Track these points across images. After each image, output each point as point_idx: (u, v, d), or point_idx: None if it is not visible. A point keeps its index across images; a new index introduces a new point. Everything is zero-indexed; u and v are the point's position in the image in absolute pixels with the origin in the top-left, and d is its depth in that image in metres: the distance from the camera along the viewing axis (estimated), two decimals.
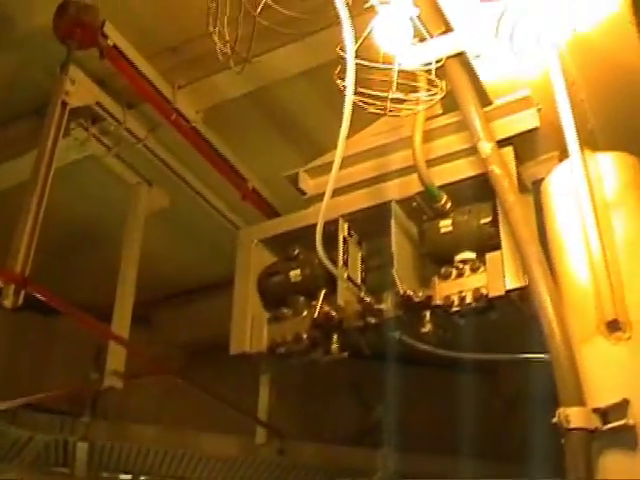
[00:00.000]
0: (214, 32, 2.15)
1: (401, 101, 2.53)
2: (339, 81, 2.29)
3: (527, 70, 2.76)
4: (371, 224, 3.11)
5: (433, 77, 2.62)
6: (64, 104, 3.67)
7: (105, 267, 4.87)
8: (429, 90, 2.62)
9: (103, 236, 5.33)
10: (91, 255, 5.58)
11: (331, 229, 3.06)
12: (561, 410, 2.28)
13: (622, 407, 2.24)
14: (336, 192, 3.09)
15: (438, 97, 2.64)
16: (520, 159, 2.99)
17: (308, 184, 3.26)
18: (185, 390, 5.32)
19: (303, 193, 3.26)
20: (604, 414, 2.28)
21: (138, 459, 5.92)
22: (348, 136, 3.18)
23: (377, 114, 2.54)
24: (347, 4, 2.15)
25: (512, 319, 2.83)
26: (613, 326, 2.37)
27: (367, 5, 2.38)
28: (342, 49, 2.23)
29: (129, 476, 6.07)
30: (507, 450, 6.05)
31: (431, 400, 6.57)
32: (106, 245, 5.18)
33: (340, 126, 2.40)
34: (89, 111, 4.09)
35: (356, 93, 2.40)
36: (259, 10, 2.13)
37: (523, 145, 2.96)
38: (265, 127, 4.51)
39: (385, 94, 2.44)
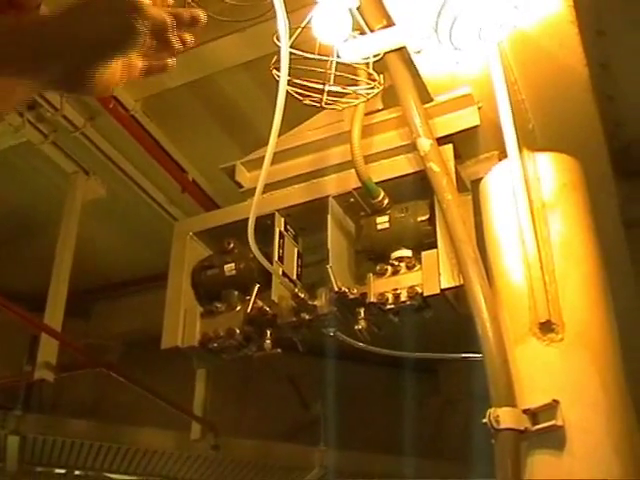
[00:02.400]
0: None
1: (338, 94, 2.49)
2: (275, 71, 2.24)
3: (468, 67, 2.74)
4: (308, 219, 3.07)
5: (371, 71, 2.59)
6: None
7: (41, 256, 4.79)
8: (367, 84, 2.59)
9: (39, 225, 5.24)
10: (27, 244, 5.48)
11: (267, 223, 3.03)
12: (491, 411, 2.28)
13: (552, 408, 2.25)
14: (273, 186, 3.07)
15: (375, 91, 2.61)
16: (460, 157, 2.97)
17: (245, 177, 3.20)
18: (122, 383, 5.26)
19: (240, 186, 3.21)
20: (534, 415, 2.28)
21: (72, 453, 5.82)
22: (289, 129, 3.17)
23: (313, 106, 2.50)
24: None
25: (454, 316, 2.82)
26: (546, 327, 2.37)
27: None
28: (278, 39, 2.19)
29: (63, 470, 5.98)
30: (447, 449, 6.09)
31: (370, 397, 6.57)
32: (42, 234, 5.10)
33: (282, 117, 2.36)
34: None
35: (292, 84, 2.37)
36: None
37: (463, 143, 2.94)
38: (206, 118, 4.45)
39: (321, 86, 2.40)
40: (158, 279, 3.74)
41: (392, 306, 2.74)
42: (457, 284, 2.62)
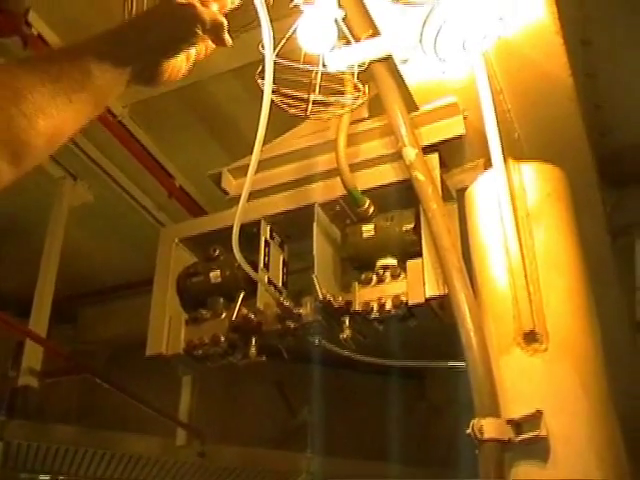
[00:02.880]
0: None
1: (323, 104, 2.49)
2: (260, 81, 2.24)
3: (454, 75, 2.74)
4: (294, 227, 3.07)
5: (356, 81, 2.59)
6: None
7: (28, 261, 4.78)
8: (352, 94, 2.59)
9: (26, 230, 5.23)
10: (13, 249, 5.46)
11: (253, 231, 3.03)
12: (475, 421, 2.27)
13: (536, 418, 2.24)
14: (259, 193, 3.07)
15: (360, 102, 2.61)
16: (446, 166, 2.98)
17: (231, 184, 3.20)
18: (108, 389, 5.24)
19: (226, 193, 3.21)
20: (518, 425, 2.27)
21: (57, 459, 5.78)
22: (278, 135, 3.17)
23: (298, 116, 2.50)
24: (269, 3, 2.10)
25: (440, 325, 2.82)
26: (530, 337, 2.37)
27: (292, 5, 2.34)
28: (263, 48, 2.18)
29: (47, 477, 5.95)
30: (433, 455, 6.09)
31: (357, 404, 6.57)
32: (29, 239, 5.08)
33: (269, 125, 2.35)
34: None
35: (277, 93, 2.36)
36: None
37: (449, 152, 2.95)
38: (194, 124, 4.45)
39: (306, 96, 2.40)
40: (145, 284, 3.73)
41: (377, 315, 2.74)
42: (442, 293, 2.62)
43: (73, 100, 1.38)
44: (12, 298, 5.20)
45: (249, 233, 2.97)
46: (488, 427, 2.25)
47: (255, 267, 2.91)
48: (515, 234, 2.49)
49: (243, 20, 3.01)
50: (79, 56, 1.42)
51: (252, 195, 2.87)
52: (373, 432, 6.18)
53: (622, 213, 4.20)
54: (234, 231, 2.47)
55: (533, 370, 2.36)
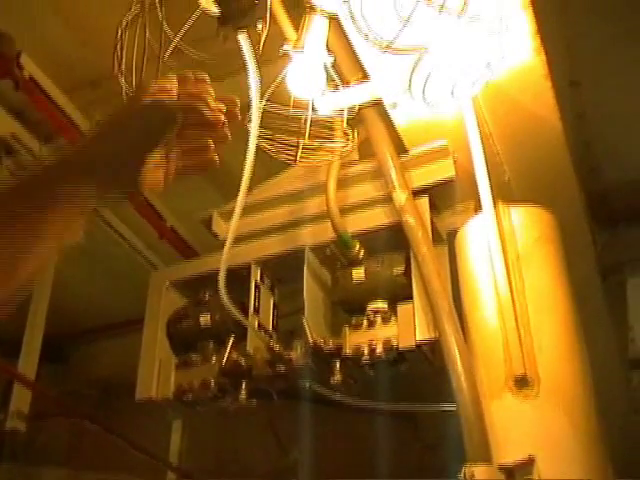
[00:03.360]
0: (120, 73, 2.09)
1: (313, 150, 2.50)
2: (248, 126, 2.25)
3: (444, 117, 2.75)
4: (284, 270, 3.07)
5: (346, 127, 2.60)
6: None
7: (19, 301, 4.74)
8: (342, 140, 2.60)
9: None
10: None
11: (243, 274, 3.02)
12: (467, 467, 2.26)
13: (528, 465, 2.23)
14: (249, 236, 3.07)
15: (349, 148, 2.62)
16: (437, 209, 2.99)
17: (221, 227, 3.19)
18: (97, 431, 5.19)
19: (217, 236, 3.20)
20: (510, 471, 2.26)
21: None
22: (268, 176, 3.17)
23: (287, 162, 2.51)
24: (258, 49, 2.11)
25: (431, 369, 2.81)
26: (521, 382, 2.36)
27: (281, 52, 2.35)
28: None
29: None
30: None
31: (349, 443, 6.51)
32: None
33: (263, 163, 2.36)
34: (3, 142, 3.98)
35: (266, 139, 2.37)
36: (168, 54, 2.07)
37: (439, 194, 2.96)
38: None
39: (296, 142, 2.41)
40: (135, 323, 3.72)
41: (367, 359, 2.73)
42: (433, 337, 2.61)
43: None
44: (2, 339, 5.16)
45: (239, 276, 2.97)
46: (480, 474, 2.23)
47: (245, 310, 2.90)
48: (505, 277, 2.50)
49: (233, 65, 3.04)
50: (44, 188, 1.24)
51: (242, 238, 2.88)
52: (365, 471, 6.12)
53: (613, 252, 4.21)
54: (220, 277, 2.47)
55: (525, 415, 2.35)
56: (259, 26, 2.02)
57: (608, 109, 3.85)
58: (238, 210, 2.29)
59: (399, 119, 2.76)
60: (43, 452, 5.81)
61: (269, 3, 2.01)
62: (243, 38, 2.02)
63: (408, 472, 6.14)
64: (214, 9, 2.00)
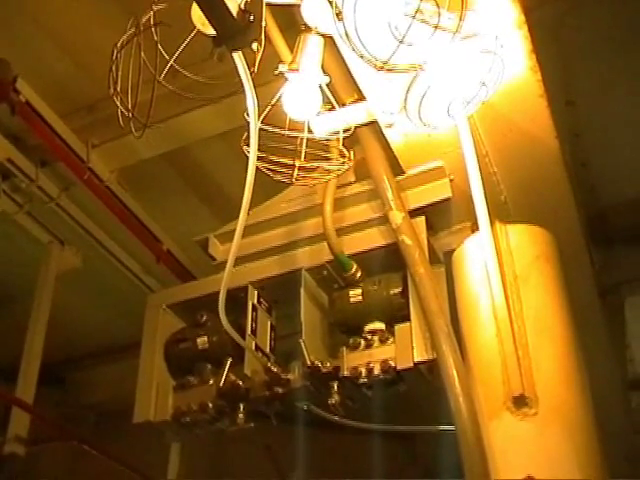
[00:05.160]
0: (115, 95, 2.09)
1: (309, 170, 2.50)
2: (245, 148, 2.25)
3: (440, 139, 2.75)
4: (281, 291, 3.06)
5: (341, 147, 2.60)
6: None
7: (16, 326, 4.73)
8: (338, 160, 2.60)
9: (13, 295, 5.18)
10: (1, 314, 5.42)
11: (241, 296, 3.01)
12: None
13: None
14: (246, 258, 3.07)
15: (346, 167, 2.62)
16: (433, 229, 2.99)
17: (217, 250, 3.20)
18: (95, 455, 5.16)
19: (213, 259, 3.20)
20: None
21: None
22: (266, 198, 3.18)
23: (284, 182, 2.51)
24: (254, 71, 2.12)
25: (428, 389, 2.79)
26: (520, 401, 2.35)
27: (276, 72, 2.36)
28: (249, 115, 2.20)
29: None
30: None
31: (348, 465, 6.47)
32: (16, 304, 5.04)
33: (256, 189, 2.36)
34: None
35: (263, 160, 2.37)
36: (163, 75, 2.08)
37: (436, 215, 2.96)
38: (181, 188, 4.45)
39: (292, 162, 2.41)
40: (133, 347, 3.70)
41: (365, 380, 2.72)
42: (430, 358, 2.60)
43: None
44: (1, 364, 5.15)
45: (237, 297, 2.96)
46: None
47: (243, 331, 2.89)
48: (503, 297, 2.48)
49: (229, 85, 3.05)
50: None
51: (239, 260, 2.87)
52: None
53: (611, 272, 4.21)
54: (220, 299, 2.46)
55: (523, 435, 2.33)
56: (254, 46, 2.02)
57: (605, 128, 3.86)
58: (239, 232, 2.29)
59: (395, 139, 2.77)
60: (42, 476, 5.78)
61: (263, 24, 2.01)
62: (238, 58, 2.02)
63: None
64: (209, 30, 1.99)
